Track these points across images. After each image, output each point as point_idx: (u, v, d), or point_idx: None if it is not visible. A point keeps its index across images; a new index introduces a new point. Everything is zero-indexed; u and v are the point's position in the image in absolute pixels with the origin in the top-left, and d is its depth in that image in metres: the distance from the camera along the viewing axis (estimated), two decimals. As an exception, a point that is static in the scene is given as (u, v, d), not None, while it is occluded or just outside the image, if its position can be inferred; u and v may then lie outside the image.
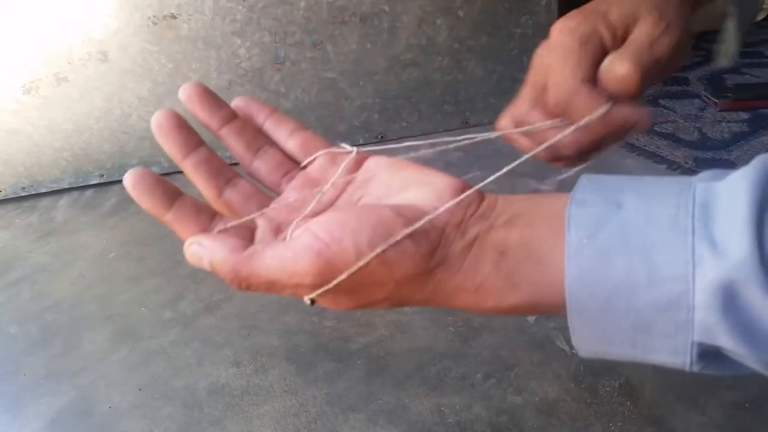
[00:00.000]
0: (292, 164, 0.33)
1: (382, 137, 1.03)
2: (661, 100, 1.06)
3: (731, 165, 0.83)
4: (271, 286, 0.26)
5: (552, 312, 0.25)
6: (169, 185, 0.29)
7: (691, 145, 0.89)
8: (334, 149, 0.32)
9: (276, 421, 0.51)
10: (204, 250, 0.27)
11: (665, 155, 0.87)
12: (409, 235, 0.25)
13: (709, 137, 0.91)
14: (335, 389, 0.54)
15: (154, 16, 0.88)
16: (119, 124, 0.95)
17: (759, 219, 0.21)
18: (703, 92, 1.05)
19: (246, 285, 0.26)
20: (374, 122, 1.02)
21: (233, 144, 0.32)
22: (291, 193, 0.31)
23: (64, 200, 0.96)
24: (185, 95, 0.31)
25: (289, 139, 0.33)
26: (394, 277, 0.25)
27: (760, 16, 1.44)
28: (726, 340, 0.22)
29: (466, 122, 1.04)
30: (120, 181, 1.00)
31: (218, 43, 0.92)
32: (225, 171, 0.31)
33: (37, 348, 0.63)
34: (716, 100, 0.99)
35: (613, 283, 0.23)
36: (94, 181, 0.98)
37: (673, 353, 0.23)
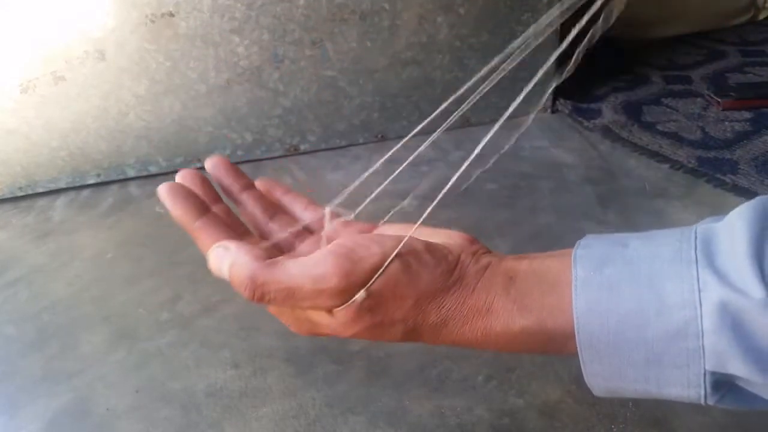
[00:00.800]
0: (306, 232, 0.34)
1: (381, 136, 1.02)
2: (663, 99, 1.05)
3: (734, 164, 0.82)
4: (291, 295, 0.25)
5: (562, 344, 0.25)
6: (202, 198, 0.31)
7: (694, 144, 0.88)
8: (339, 210, 0.33)
9: (275, 423, 0.51)
10: (228, 252, 0.27)
11: (668, 154, 0.87)
12: (431, 255, 0.26)
13: (712, 136, 0.90)
14: (335, 391, 0.53)
15: (152, 14, 0.88)
16: (116, 122, 0.94)
17: (759, 251, 0.21)
18: (706, 91, 1.04)
19: (261, 293, 0.25)
20: (374, 121, 1.01)
21: (251, 208, 0.34)
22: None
23: (61, 200, 0.95)
24: (211, 163, 0.34)
25: (305, 212, 0.35)
26: (417, 288, 0.25)
27: (761, 16, 1.44)
28: (737, 366, 0.22)
29: (468, 121, 1.03)
30: (117, 181, 1.00)
31: (216, 41, 0.91)
32: (238, 227, 0.32)
33: (34, 349, 0.63)
34: (719, 99, 0.99)
35: (622, 313, 0.23)
36: (91, 181, 0.98)
37: (686, 386, 0.23)
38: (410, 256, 0.26)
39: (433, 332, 0.27)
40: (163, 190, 0.30)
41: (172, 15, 0.88)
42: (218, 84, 0.94)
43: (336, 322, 0.26)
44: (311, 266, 0.25)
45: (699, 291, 0.22)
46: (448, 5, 0.95)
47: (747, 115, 0.95)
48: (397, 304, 0.26)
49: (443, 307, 0.26)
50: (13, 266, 0.78)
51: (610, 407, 0.49)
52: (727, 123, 0.94)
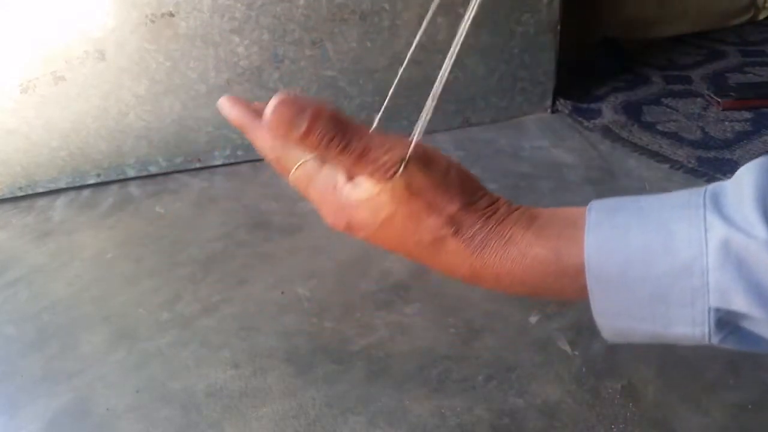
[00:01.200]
0: None
1: (381, 136, 1.02)
2: (663, 99, 1.05)
3: (734, 164, 0.82)
4: (365, 153, 0.27)
5: (573, 279, 0.26)
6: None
7: (694, 145, 0.88)
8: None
9: (275, 423, 0.51)
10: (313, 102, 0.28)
11: (668, 154, 0.87)
12: (480, 185, 0.30)
13: (712, 136, 0.90)
14: (335, 391, 0.53)
15: (152, 14, 0.88)
16: (116, 122, 0.94)
17: (764, 196, 0.23)
18: (706, 91, 1.04)
19: (347, 142, 0.27)
20: (374, 121, 1.01)
21: None
22: None
23: (61, 200, 0.95)
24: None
25: None
26: (465, 196, 0.28)
27: (761, 16, 1.44)
28: (740, 302, 0.22)
29: (467, 121, 1.03)
30: (117, 181, 1.00)
31: (216, 41, 0.91)
32: None
33: (34, 349, 0.63)
34: (719, 99, 0.99)
35: (630, 251, 0.24)
36: (91, 181, 0.98)
37: (691, 323, 0.24)
38: (467, 174, 0.29)
39: (457, 250, 0.28)
40: (224, 98, 0.31)
41: (172, 15, 0.88)
42: (218, 84, 0.94)
43: (380, 201, 0.28)
44: (388, 136, 0.28)
45: (705, 231, 0.23)
46: (448, 5, 0.95)
47: (747, 115, 0.95)
48: (445, 200, 0.28)
49: (474, 226, 0.28)
50: (13, 266, 0.78)
51: (610, 407, 0.49)
52: (727, 123, 0.94)
